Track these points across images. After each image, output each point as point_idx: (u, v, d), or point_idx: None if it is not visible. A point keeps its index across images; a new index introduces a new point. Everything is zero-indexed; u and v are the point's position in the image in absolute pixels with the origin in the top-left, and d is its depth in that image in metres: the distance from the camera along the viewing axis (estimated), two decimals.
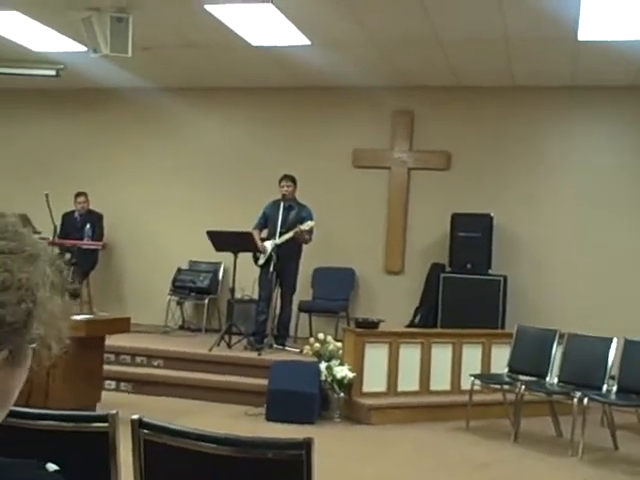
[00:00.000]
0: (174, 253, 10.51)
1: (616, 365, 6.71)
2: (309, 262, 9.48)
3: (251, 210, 9.15)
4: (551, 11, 7.07)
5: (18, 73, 9.92)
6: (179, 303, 10.39)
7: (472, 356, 8.06)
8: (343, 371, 7.33)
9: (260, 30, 8.08)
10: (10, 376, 1.10)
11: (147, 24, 7.83)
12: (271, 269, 8.47)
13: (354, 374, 7.37)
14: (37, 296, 1.07)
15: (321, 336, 7.72)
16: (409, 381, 7.78)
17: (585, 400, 6.43)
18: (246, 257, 8.72)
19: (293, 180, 8.90)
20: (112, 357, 8.16)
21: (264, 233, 8.92)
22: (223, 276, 10.44)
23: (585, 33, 7.55)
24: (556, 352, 7.14)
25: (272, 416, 7.07)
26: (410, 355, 7.81)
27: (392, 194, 10.28)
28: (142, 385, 7.97)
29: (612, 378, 6.69)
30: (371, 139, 10.31)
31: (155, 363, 8.33)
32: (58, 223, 9.86)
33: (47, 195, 9.25)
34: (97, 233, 10.28)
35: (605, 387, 6.63)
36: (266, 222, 8.94)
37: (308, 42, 8.35)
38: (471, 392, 7.18)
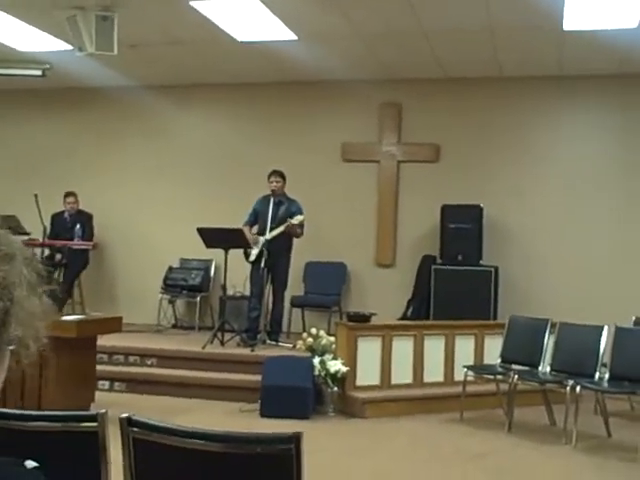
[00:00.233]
0: (165, 251, 10.49)
1: (608, 353, 6.73)
2: (300, 257, 9.48)
3: (241, 206, 9.14)
4: (536, 1, 7.09)
5: (4, 73, 9.88)
6: (171, 301, 10.39)
7: (465, 347, 8.07)
8: (336, 365, 7.34)
9: (246, 25, 8.07)
10: None
11: (132, 22, 7.81)
12: (262, 265, 8.47)
13: (347, 368, 7.38)
14: (14, 295, 1.07)
15: (314, 331, 7.73)
16: (402, 374, 7.79)
17: (578, 388, 6.45)
18: (237, 254, 8.71)
19: (282, 175, 8.90)
20: (105, 357, 8.15)
21: (254, 229, 8.92)
22: (215, 273, 10.43)
23: (570, 23, 7.57)
24: (548, 341, 7.15)
25: (266, 412, 7.07)
26: (403, 348, 7.82)
27: (382, 187, 10.29)
28: (136, 384, 7.96)
29: (604, 366, 6.72)
30: (359, 133, 10.31)
31: (148, 362, 8.32)
32: (48, 224, 9.84)
33: (36, 196, 9.23)
34: (87, 233, 10.25)
35: (597, 375, 6.65)
36: (256, 218, 8.93)
37: (294, 37, 8.34)
38: (464, 383, 7.20)
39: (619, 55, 8.61)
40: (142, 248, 10.76)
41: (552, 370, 7.00)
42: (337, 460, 5.84)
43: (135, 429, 2.17)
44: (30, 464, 1.17)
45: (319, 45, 8.69)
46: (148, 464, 2.21)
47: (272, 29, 8.11)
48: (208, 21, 7.89)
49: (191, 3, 7.40)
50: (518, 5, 7.21)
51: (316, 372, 7.30)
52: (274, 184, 8.82)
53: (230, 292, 9.24)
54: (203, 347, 8.30)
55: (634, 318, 7.66)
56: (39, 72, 9.73)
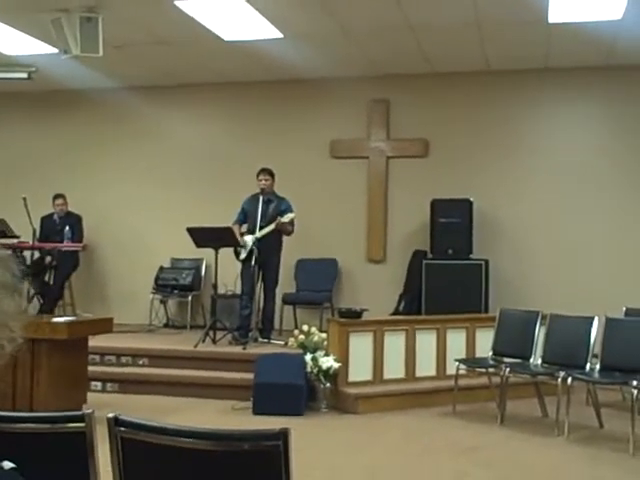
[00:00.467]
0: (155, 251, 10.50)
1: (598, 343, 6.75)
2: (291, 254, 9.49)
3: (230, 205, 9.14)
4: None
5: None
6: (162, 301, 10.39)
7: (457, 341, 8.09)
8: (328, 362, 7.34)
9: (231, 24, 8.07)
10: None
11: (117, 23, 7.80)
12: (253, 263, 8.48)
13: (339, 364, 7.39)
14: None
15: (305, 328, 7.74)
16: (395, 369, 7.81)
17: (569, 380, 6.46)
18: (228, 252, 8.72)
19: (271, 173, 8.89)
20: (97, 358, 8.15)
21: (244, 228, 8.92)
22: (205, 272, 10.44)
23: (555, 15, 7.58)
24: (539, 333, 7.17)
25: (259, 409, 7.07)
26: (395, 343, 7.84)
27: (371, 183, 10.30)
28: (128, 385, 7.96)
29: (595, 357, 6.73)
30: (348, 129, 10.32)
31: (140, 362, 8.32)
32: (37, 226, 9.82)
33: (25, 199, 9.21)
34: (77, 235, 10.23)
35: (588, 366, 6.67)
36: (245, 217, 8.93)
37: (280, 35, 8.34)
38: (456, 377, 7.22)
39: (605, 47, 8.64)
40: (133, 249, 10.75)
41: (543, 362, 7.02)
42: (330, 456, 5.85)
43: (122, 428, 2.17)
44: (7, 465, 1.17)
45: (305, 43, 8.69)
46: (136, 463, 2.21)
47: (258, 28, 8.11)
48: (193, 21, 7.88)
49: (176, 3, 7.39)
50: None
51: (308, 369, 7.31)
52: (263, 182, 8.81)
53: (221, 291, 9.26)
54: (195, 346, 8.30)
55: (625, 309, 7.69)
56: (25, 75, 9.71)
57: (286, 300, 9.71)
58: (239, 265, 8.81)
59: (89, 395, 6.73)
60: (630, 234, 9.42)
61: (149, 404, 7.32)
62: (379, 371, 7.75)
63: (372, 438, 6.48)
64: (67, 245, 10.02)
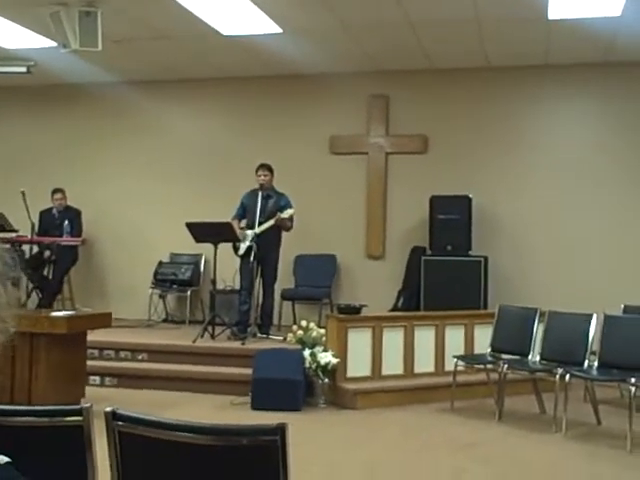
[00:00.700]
0: (155, 246, 10.49)
1: (597, 341, 6.75)
2: (290, 250, 9.49)
3: (230, 200, 9.13)
4: None
5: None
6: (161, 296, 10.40)
7: (455, 337, 8.10)
8: (327, 357, 7.35)
9: (230, 19, 8.05)
10: None
11: (116, 17, 7.78)
12: (251, 258, 8.47)
13: (338, 360, 7.39)
14: None
15: (304, 323, 7.74)
16: (393, 365, 7.81)
17: (567, 377, 6.47)
18: (227, 248, 8.71)
19: (270, 169, 8.88)
20: (96, 352, 8.16)
21: (243, 223, 8.91)
22: (204, 267, 10.44)
23: (555, 11, 7.58)
24: (537, 330, 7.17)
25: (258, 405, 7.08)
26: (393, 339, 7.84)
27: (370, 179, 10.29)
28: (127, 379, 7.96)
29: (593, 354, 6.74)
30: (347, 125, 10.31)
31: (139, 357, 8.32)
32: (36, 220, 9.82)
33: (23, 192, 9.22)
34: (76, 229, 10.23)
35: (586, 363, 6.67)
36: (244, 212, 8.93)
37: (279, 30, 8.32)
38: (455, 373, 7.22)
39: (604, 43, 8.63)
40: (132, 243, 10.75)
41: (542, 359, 7.02)
42: (328, 451, 5.85)
43: (120, 423, 2.18)
44: (2, 459, 1.17)
45: (305, 38, 8.68)
46: (134, 457, 2.21)
47: (257, 22, 8.10)
48: (192, 15, 7.86)
49: None
50: None
51: (307, 364, 7.32)
52: (262, 177, 8.80)
53: (220, 286, 9.26)
54: (194, 341, 8.30)
55: (623, 306, 7.69)
56: (24, 69, 9.70)
57: (285, 296, 9.71)
58: (238, 260, 8.81)
59: (87, 389, 6.73)
60: (629, 231, 9.42)
61: (147, 399, 7.33)
62: (377, 367, 7.75)
63: (370, 434, 6.48)
64: (66, 239, 10.02)
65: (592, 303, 7.45)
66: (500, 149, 9.90)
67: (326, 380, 7.34)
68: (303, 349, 7.46)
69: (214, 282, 8.83)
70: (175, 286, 10.24)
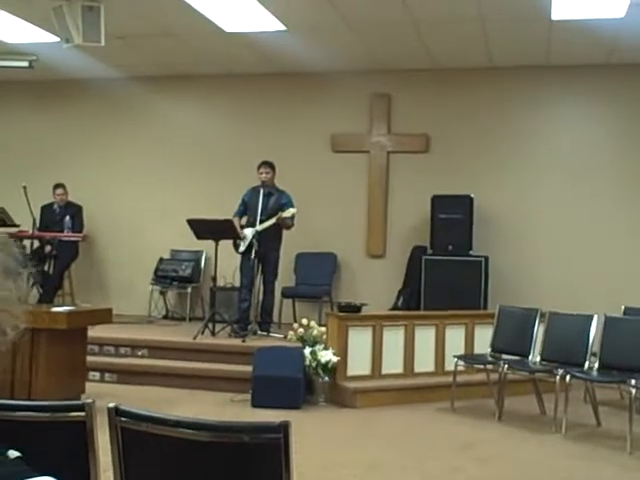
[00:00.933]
0: (156, 243, 10.49)
1: (597, 342, 6.74)
2: (291, 248, 9.48)
3: (231, 197, 9.12)
4: None
5: None
6: (162, 292, 10.40)
7: (455, 337, 8.09)
8: (327, 355, 7.34)
9: (233, 16, 8.04)
10: None
11: (120, 12, 7.76)
12: (252, 256, 8.47)
13: (338, 358, 7.39)
14: None
15: (305, 321, 7.74)
16: (393, 364, 7.81)
17: (567, 377, 6.47)
18: (227, 245, 8.71)
19: (272, 166, 8.87)
20: (96, 348, 8.15)
21: (244, 220, 8.91)
22: (205, 264, 10.43)
23: (558, 12, 7.57)
24: (538, 331, 7.16)
25: (258, 402, 7.07)
26: (394, 338, 7.83)
27: (372, 178, 10.29)
28: (127, 375, 7.96)
29: (594, 355, 6.73)
30: (349, 124, 10.30)
31: (139, 353, 8.32)
32: (37, 215, 9.81)
33: (25, 187, 9.20)
34: (77, 225, 10.23)
35: (587, 364, 6.66)
36: (246, 209, 8.92)
37: (283, 27, 8.31)
38: (455, 373, 7.22)
39: (607, 44, 8.63)
40: (132, 239, 10.75)
41: (542, 360, 7.02)
42: (328, 449, 5.85)
43: (123, 419, 2.17)
44: (13, 454, 1.16)
45: (308, 36, 8.67)
46: (136, 453, 2.21)
47: (260, 20, 8.08)
48: (195, 12, 7.85)
49: None
50: None
51: (307, 362, 7.31)
52: (264, 175, 8.79)
53: (220, 283, 9.26)
54: (194, 338, 8.30)
55: (623, 307, 7.68)
56: (26, 63, 9.69)
57: (285, 294, 9.70)
58: (239, 258, 8.80)
59: (87, 385, 6.74)
60: (630, 232, 9.42)
61: (147, 395, 7.32)
62: (378, 366, 7.75)
63: (370, 432, 6.48)
64: (67, 235, 10.02)
65: (592, 304, 7.46)
66: (502, 149, 9.89)
67: (326, 378, 7.33)
68: (303, 347, 7.46)
69: (214, 279, 8.82)
70: (175, 283, 10.24)
